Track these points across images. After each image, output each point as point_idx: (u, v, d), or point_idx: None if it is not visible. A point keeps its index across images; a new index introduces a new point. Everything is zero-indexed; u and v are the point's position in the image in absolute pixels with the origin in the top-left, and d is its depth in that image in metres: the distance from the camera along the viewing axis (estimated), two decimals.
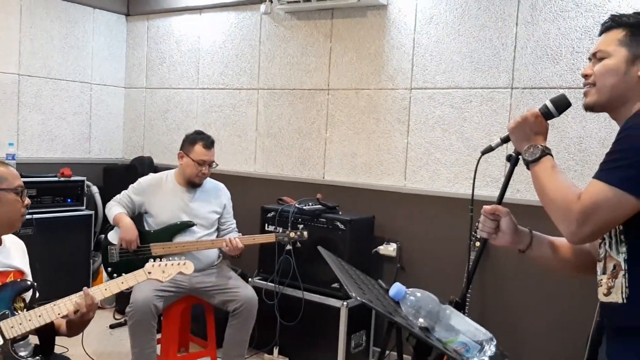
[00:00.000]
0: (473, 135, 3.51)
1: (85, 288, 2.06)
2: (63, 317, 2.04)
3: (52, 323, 2.04)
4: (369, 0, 3.74)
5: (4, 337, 1.91)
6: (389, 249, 3.77)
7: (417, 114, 3.71)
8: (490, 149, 1.74)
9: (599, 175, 1.37)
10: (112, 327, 4.19)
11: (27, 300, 2.11)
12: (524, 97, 3.33)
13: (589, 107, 1.55)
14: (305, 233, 3.33)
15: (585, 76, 1.53)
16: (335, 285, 3.50)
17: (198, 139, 3.35)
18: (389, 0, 3.78)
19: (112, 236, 3.33)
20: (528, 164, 1.53)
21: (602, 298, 1.48)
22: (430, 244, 3.65)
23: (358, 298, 1.14)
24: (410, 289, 1.21)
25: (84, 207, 4.58)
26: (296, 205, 3.68)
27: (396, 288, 1.19)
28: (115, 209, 3.35)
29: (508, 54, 3.37)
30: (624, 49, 1.46)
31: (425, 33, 3.67)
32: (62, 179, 4.45)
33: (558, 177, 1.46)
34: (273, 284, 3.66)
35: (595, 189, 1.35)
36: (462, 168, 3.55)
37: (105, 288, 2.12)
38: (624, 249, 1.42)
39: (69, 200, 4.48)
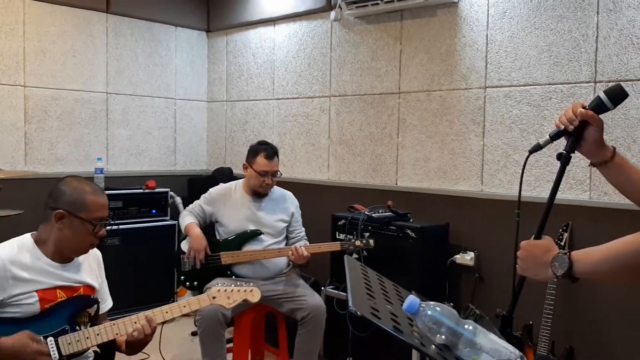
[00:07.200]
0: None
1: (146, 312, 2.08)
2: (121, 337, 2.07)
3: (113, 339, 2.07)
4: None
5: (60, 353, 1.94)
6: (465, 258, 3.56)
7: (493, 114, 3.50)
8: (538, 147, 1.60)
9: None
10: (193, 334, 4.29)
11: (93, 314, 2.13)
12: None
13: None
14: (371, 241, 3.24)
15: None
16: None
17: (260, 149, 3.35)
18: None
19: (185, 245, 3.42)
20: (569, 278, 1.34)
21: None
22: (511, 252, 3.39)
23: (353, 309, 1.04)
24: (426, 302, 1.10)
25: (168, 217, 4.75)
26: (366, 212, 3.59)
27: (409, 301, 1.08)
28: (187, 218, 3.44)
29: (589, 45, 3.09)
30: None
31: (499, 28, 3.46)
32: (146, 190, 4.65)
33: (618, 249, 1.25)
34: (345, 293, 3.59)
35: None
36: (543, 170, 3.29)
37: (166, 311, 2.12)
38: None
39: (153, 211, 4.67)
